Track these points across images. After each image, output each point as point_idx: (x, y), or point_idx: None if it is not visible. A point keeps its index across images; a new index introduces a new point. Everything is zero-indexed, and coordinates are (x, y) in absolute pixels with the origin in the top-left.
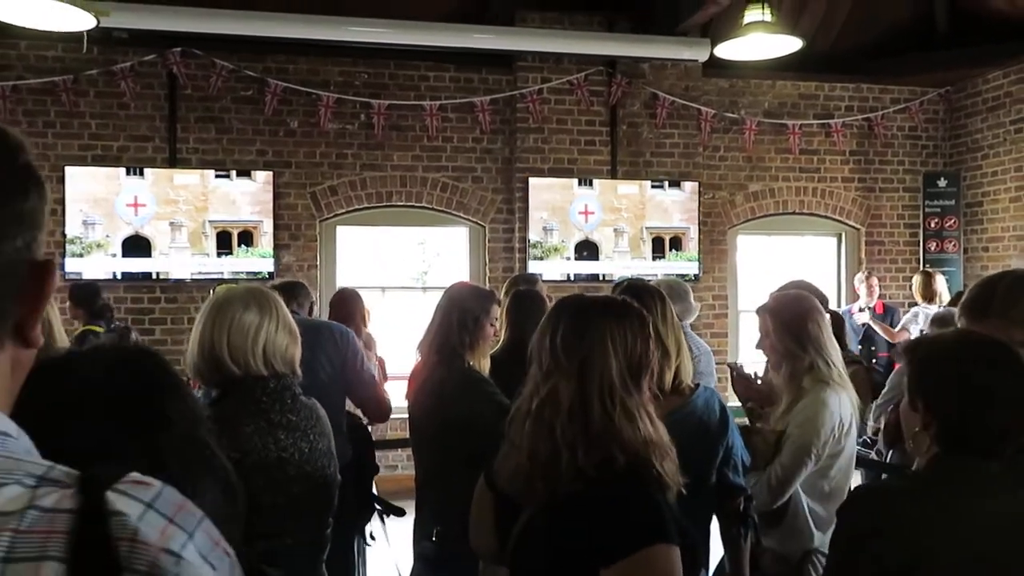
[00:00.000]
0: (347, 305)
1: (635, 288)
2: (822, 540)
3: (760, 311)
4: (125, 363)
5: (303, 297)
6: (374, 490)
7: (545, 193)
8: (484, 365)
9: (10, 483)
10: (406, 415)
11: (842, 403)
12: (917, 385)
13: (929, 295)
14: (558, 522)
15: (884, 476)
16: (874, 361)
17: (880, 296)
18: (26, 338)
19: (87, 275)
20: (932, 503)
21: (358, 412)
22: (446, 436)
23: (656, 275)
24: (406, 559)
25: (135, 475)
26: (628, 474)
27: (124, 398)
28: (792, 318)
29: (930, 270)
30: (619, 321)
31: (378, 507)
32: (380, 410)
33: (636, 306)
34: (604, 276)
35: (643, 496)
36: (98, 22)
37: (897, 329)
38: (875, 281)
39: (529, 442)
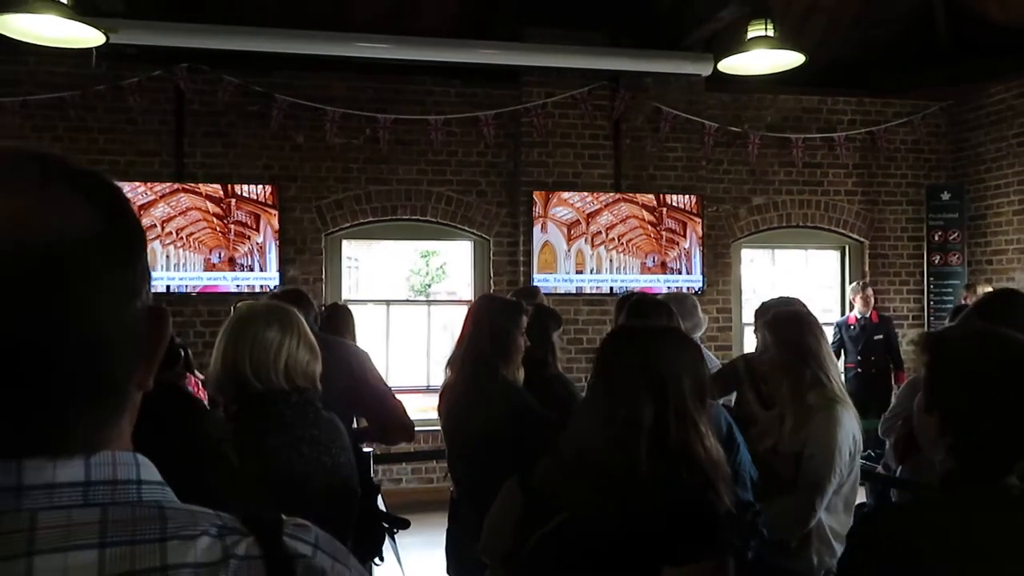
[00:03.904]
0: (337, 320)
1: (643, 303)
2: None
3: (758, 326)
4: (160, 392)
5: (306, 306)
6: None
7: (549, 206)
8: (519, 377)
9: (199, 534)
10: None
11: (852, 420)
12: (933, 389)
13: None
14: (622, 527)
15: (893, 491)
16: (873, 371)
17: (875, 307)
18: (143, 384)
19: None
20: (944, 528)
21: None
22: (488, 449)
23: (662, 288)
24: None
25: (292, 519)
26: (699, 489)
27: (160, 423)
28: (790, 332)
29: (971, 281)
30: (684, 346)
31: (385, 524)
32: (405, 427)
33: (679, 330)
34: (611, 289)
35: (715, 510)
36: (107, 39)
37: None
38: (870, 292)
39: (602, 457)
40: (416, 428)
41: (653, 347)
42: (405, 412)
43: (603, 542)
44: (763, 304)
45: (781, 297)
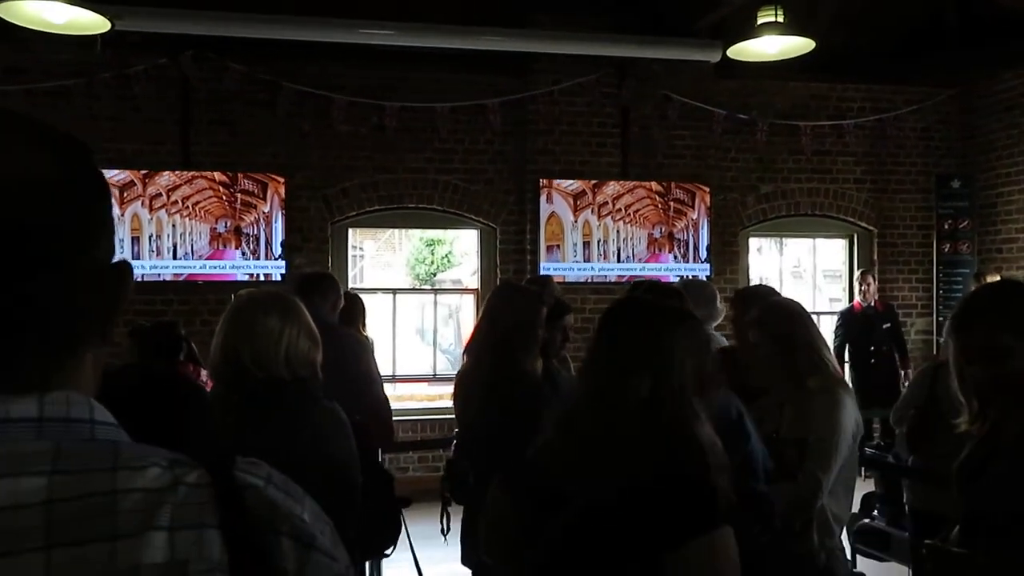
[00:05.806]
0: (349, 309)
1: (654, 290)
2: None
3: (747, 325)
4: (150, 381)
5: (330, 291)
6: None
7: (557, 194)
8: (537, 367)
9: (149, 465)
10: (420, 418)
11: (853, 403)
12: None
13: None
14: (619, 514)
15: (904, 481)
16: (873, 361)
17: (879, 296)
18: (106, 337)
19: None
20: None
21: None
22: (503, 437)
23: (669, 277)
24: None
25: (245, 458)
26: (693, 466)
27: (146, 412)
28: (779, 324)
29: (980, 270)
30: (693, 331)
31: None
32: (385, 425)
33: (695, 316)
34: (619, 278)
35: (705, 481)
36: (113, 26)
37: None
38: (870, 279)
39: (592, 428)
40: (423, 417)
41: (659, 323)
42: (390, 413)
43: (599, 525)
44: (739, 293)
45: (759, 285)
